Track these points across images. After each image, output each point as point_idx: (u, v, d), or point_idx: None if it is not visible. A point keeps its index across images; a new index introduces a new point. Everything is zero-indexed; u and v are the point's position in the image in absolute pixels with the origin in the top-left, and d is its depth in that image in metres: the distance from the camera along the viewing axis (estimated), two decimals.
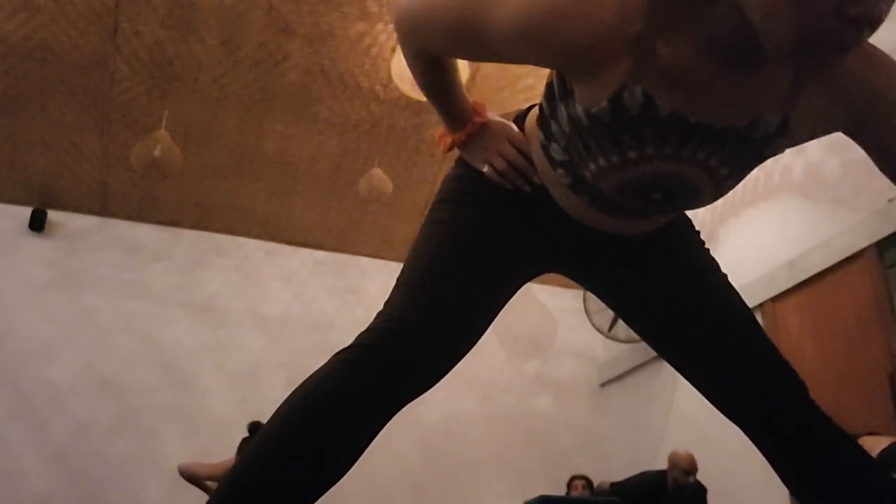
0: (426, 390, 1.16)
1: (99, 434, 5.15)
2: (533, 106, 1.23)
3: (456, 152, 1.31)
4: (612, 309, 1.35)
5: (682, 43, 0.92)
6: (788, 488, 1.21)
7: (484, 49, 1.03)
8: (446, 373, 1.17)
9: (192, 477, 3.96)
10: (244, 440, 3.92)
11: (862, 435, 2.75)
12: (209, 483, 3.89)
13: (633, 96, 0.96)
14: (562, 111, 1.06)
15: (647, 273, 1.25)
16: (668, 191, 1.06)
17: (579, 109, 1.02)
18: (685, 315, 1.23)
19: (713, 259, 1.29)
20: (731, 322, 1.22)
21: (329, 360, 1.14)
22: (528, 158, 1.21)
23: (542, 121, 1.13)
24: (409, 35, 1.11)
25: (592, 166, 1.06)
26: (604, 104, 0.98)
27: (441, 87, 1.19)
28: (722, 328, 1.21)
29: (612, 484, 4.66)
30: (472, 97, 1.27)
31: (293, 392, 1.12)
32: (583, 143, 1.04)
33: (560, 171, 1.13)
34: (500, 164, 1.21)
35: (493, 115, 1.27)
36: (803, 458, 1.15)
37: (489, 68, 4.29)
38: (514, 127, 1.24)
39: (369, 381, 1.10)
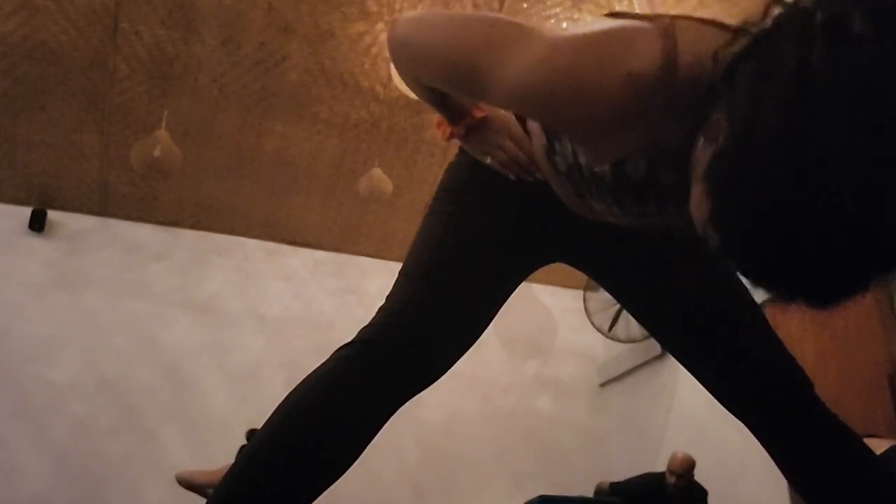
0: (428, 385, 1.15)
1: (99, 434, 5.14)
2: None
3: (456, 141, 1.29)
4: (617, 299, 1.34)
5: (684, 128, 0.88)
6: (791, 484, 1.21)
7: (478, 98, 1.01)
8: (449, 367, 1.16)
9: (190, 485, 3.95)
10: (242, 447, 3.92)
11: (862, 437, 2.75)
12: (209, 491, 3.88)
13: (637, 168, 0.94)
14: (565, 141, 1.05)
15: (654, 263, 1.24)
16: (667, 231, 1.07)
17: (581, 159, 1.01)
18: (690, 307, 1.22)
19: None
20: (738, 316, 1.21)
21: (330, 357, 1.13)
22: (529, 154, 1.19)
23: (546, 129, 1.11)
24: (402, 66, 1.09)
25: (594, 203, 1.06)
26: (606, 168, 0.97)
27: (438, 98, 1.17)
28: (728, 321, 1.20)
29: (612, 484, 4.66)
30: None
31: (294, 388, 1.12)
32: (585, 183, 1.04)
33: (564, 178, 1.12)
34: (501, 158, 1.19)
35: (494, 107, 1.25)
36: (807, 455, 1.14)
37: None
38: (516, 122, 1.21)
39: (370, 377, 1.09)
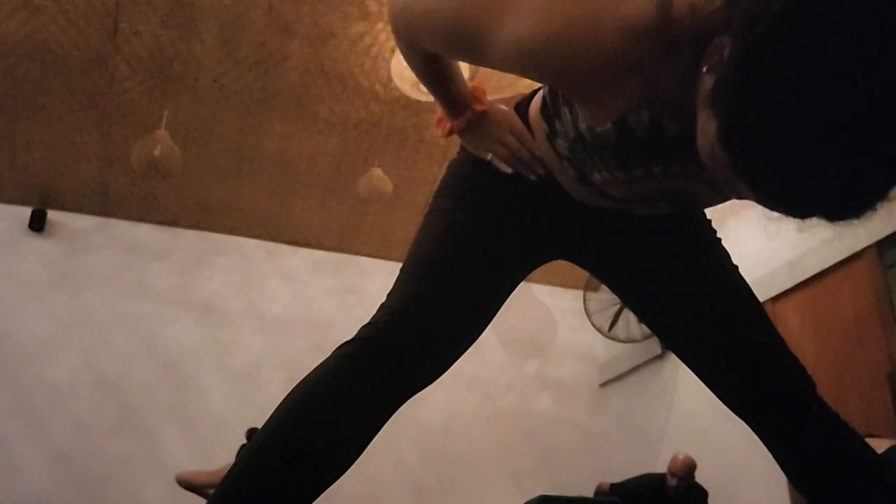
0: (429, 383, 1.15)
1: (99, 434, 5.14)
2: (537, 90, 1.19)
3: (456, 137, 1.28)
4: (618, 296, 1.34)
5: (684, 69, 0.86)
6: (793, 483, 1.21)
7: (480, 61, 1.01)
8: (449, 365, 1.15)
9: (190, 485, 3.95)
10: (242, 447, 3.91)
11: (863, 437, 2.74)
12: (209, 491, 3.88)
13: (640, 120, 0.93)
14: (565, 114, 1.04)
15: (658, 257, 1.23)
16: (673, 201, 1.06)
17: (583, 125, 1.00)
18: (693, 304, 1.22)
19: (724, 249, 1.27)
20: (741, 313, 1.20)
21: (331, 355, 1.13)
22: (530, 149, 1.19)
23: (546, 114, 1.11)
24: (403, 34, 1.09)
25: (598, 175, 1.05)
26: (608, 126, 0.96)
27: (438, 78, 1.16)
28: (730, 319, 1.20)
29: (612, 485, 4.66)
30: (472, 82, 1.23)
31: (295, 387, 1.11)
32: (587, 153, 1.03)
33: (566, 163, 1.11)
34: (502, 154, 1.19)
35: (495, 102, 1.23)
36: (809, 455, 1.14)
37: None
38: (516, 116, 1.21)
39: (372, 375, 1.09)
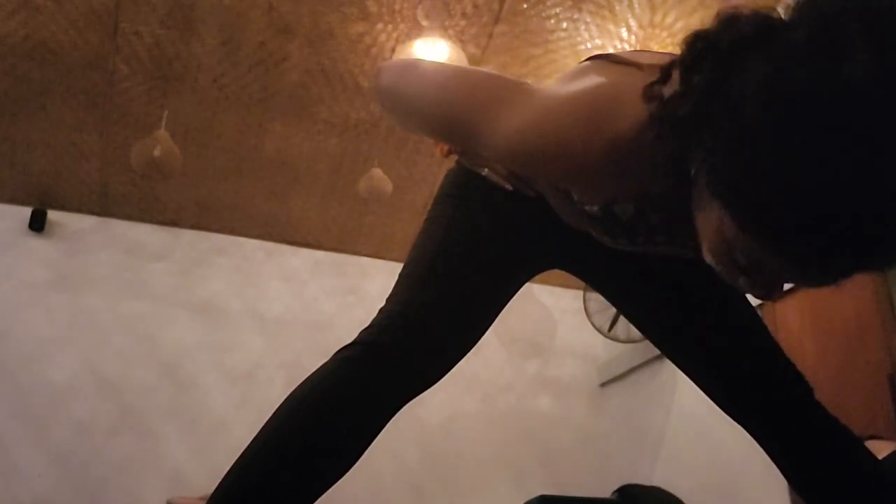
0: (428, 387, 1.15)
1: (99, 434, 5.14)
2: None
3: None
4: (615, 305, 1.35)
5: (670, 175, 0.88)
6: (792, 487, 1.21)
7: (467, 147, 1.03)
8: (449, 369, 1.16)
9: None
10: None
11: (864, 439, 2.73)
12: None
13: (625, 210, 0.97)
14: None
15: (651, 268, 1.24)
16: (659, 256, 1.09)
17: (574, 194, 1.03)
18: (689, 312, 1.22)
19: None
20: (736, 320, 1.21)
21: (331, 358, 1.14)
22: None
23: None
24: (389, 113, 1.10)
25: (588, 229, 1.08)
26: (595, 208, 1.00)
27: None
28: (726, 326, 1.20)
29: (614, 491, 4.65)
30: None
31: (295, 390, 1.12)
32: (577, 211, 1.06)
33: (561, 194, 1.12)
34: (500, 171, 1.20)
35: None
36: (808, 459, 1.14)
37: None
38: None
39: (371, 379, 1.10)
